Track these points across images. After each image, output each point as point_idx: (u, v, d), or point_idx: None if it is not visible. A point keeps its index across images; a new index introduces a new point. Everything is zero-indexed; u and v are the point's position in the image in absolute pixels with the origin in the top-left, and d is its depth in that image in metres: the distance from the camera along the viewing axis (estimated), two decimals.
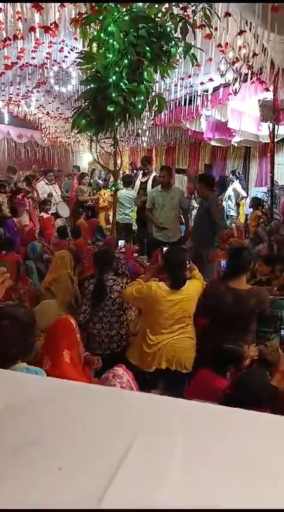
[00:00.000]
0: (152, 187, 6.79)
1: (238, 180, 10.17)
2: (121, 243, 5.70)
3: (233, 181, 10.07)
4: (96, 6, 3.92)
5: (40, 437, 0.70)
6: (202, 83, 6.84)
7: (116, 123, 4.52)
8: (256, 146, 10.83)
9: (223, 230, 5.58)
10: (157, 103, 4.56)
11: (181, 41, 4.15)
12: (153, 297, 3.08)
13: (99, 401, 0.83)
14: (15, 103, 9.21)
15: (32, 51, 5.81)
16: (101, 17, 4.00)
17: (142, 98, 4.43)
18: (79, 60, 4.57)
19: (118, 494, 0.58)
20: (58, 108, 9.79)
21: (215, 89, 7.17)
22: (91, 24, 4.19)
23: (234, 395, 2.18)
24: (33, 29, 4.68)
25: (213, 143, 10.56)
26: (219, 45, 4.86)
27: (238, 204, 10.01)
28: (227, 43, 4.85)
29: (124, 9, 4.08)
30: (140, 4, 4.18)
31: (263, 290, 3.42)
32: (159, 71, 4.48)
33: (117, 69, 4.16)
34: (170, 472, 0.62)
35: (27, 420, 0.75)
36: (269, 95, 6.59)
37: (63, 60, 6.79)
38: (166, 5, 4.15)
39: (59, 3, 4.45)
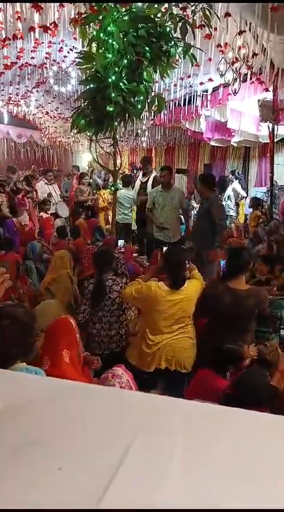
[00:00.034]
0: (152, 187, 6.79)
1: (237, 180, 10.17)
2: (120, 243, 5.70)
3: (232, 182, 10.07)
4: (95, 6, 3.92)
5: (40, 437, 0.70)
6: (201, 83, 6.84)
7: (115, 123, 4.52)
8: (256, 146, 10.84)
9: (224, 230, 5.56)
10: (156, 103, 4.57)
11: (181, 41, 4.16)
12: (153, 297, 3.08)
13: (99, 402, 0.83)
14: (15, 103, 9.20)
15: (32, 51, 5.80)
16: (101, 16, 4.00)
17: (141, 98, 4.43)
18: (79, 60, 4.57)
19: (118, 494, 0.58)
20: (57, 108, 9.79)
21: (215, 89, 7.17)
22: (91, 24, 4.19)
23: (234, 395, 2.18)
24: (33, 28, 4.68)
25: (212, 143, 10.56)
26: (219, 45, 4.86)
27: (237, 204, 10.01)
28: (226, 43, 4.85)
29: (124, 9, 4.08)
30: (139, 4, 4.18)
31: (262, 290, 3.42)
32: (158, 71, 4.48)
33: (116, 69, 4.16)
34: (170, 472, 0.62)
35: (27, 420, 0.75)
36: (268, 95, 6.59)
37: (63, 60, 6.79)
38: (166, 5, 4.15)
39: (58, 3, 4.45)
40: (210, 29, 4.21)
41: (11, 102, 9.01)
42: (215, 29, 4.45)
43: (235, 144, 10.16)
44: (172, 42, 4.22)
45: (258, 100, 6.88)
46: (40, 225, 7.81)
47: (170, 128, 11.23)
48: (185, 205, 6.37)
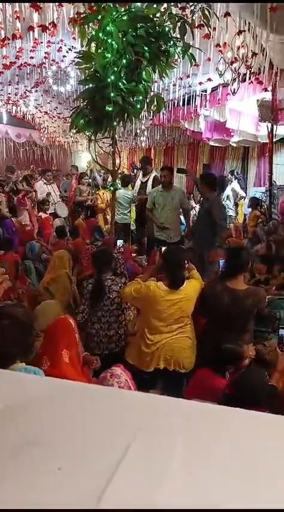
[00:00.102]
0: (152, 187, 6.78)
1: (236, 180, 10.19)
2: (119, 242, 5.70)
3: (231, 181, 10.08)
4: (94, 6, 3.92)
5: (40, 437, 0.70)
6: (200, 83, 6.85)
7: (115, 123, 4.52)
8: (255, 146, 10.85)
9: (225, 231, 5.55)
10: (155, 103, 4.56)
11: (180, 41, 4.15)
12: (152, 297, 3.08)
13: (99, 402, 0.83)
14: (14, 103, 9.20)
15: (31, 51, 5.80)
16: (100, 16, 4.00)
17: (140, 97, 4.43)
18: (78, 59, 4.57)
19: (118, 494, 0.58)
20: (56, 107, 9.79)
21: (214, 89, 7.17)
22: (90, 24, 4.19)
23: (233, 395, 2.18)
24: (32, 28, 4.68)
25: (211, 143, 10.57)
26: (218, 45, 4.87)
27: (236, 204, 10.02)
28: (225, 43, 4.86)
29: (123, 9, 4.08)
30: (139, 4, 4.18)
31: (260, 290, 3.42)
32: (157, 71, 4.48)
33: (115, 68, 4.16)
34: (170, 472, 0.62)
35: (27, 420, 0.75)
36: (267, 95, 6.60)
37: (62, 60, 6.79)
38: (165, 4, 4.15)
39: (57, 3, 4.45)
40: (209, 29, 4.21)
41: (10, 101, 9.02)
42: (215, 28, 4.45)
43: (234, 144, 10.17)
44: (171, 42, 4.22)
45: (257, 100, 6.89)
46: (39, 225, 7.82)
47: (169, 128, 11.24)
48: (186, 205, 6.37)
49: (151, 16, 4.12)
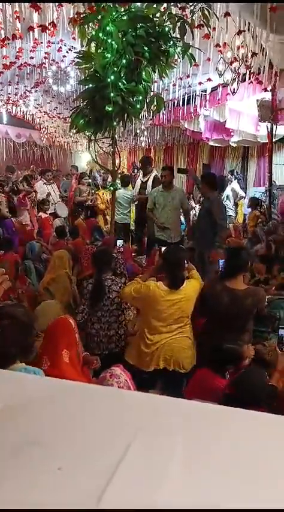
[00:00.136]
0: (153, 187, 6.78)
1: (236, 180, 10.19)
2: (119, 242, 5.70)
3: (231, 181, 10.08)
4: (94, 6, 3.92)
5: (40, 437, 0.70)
6: (200, 83, 6.85)
7: (114, 123, 4.52)
8: (254, 146, 10.85)
9: (225, 230, 5.55)
10: (155, 103, 4.56)
11: (180, 41, 4.16)
12: (151, 297, 3.08)
13: (99, 402, 0.83)
14: (14, 103, 9.20)
15: (31, 51, 5.81)
16: (99, 16, 4.00)
17: (140, 97, 4.43)
18: (78, 59, 4.57)
19: (118, 494, 0.58)
20: (56, 107, 9.79)
21: (214, 89, 7.18)
22: (90, 24, 4.19)
23: (232, 395, 2.18)
24: (32, 28, 4.68)
25: (211, 143, 10.57)
26: (217, 45, 4.87)
27: (236, 204, 10.03)
28: (225, 43, 4.86)
29: (123, 9, 4.08)
30: (138, 4, 4.18)
31: (260, 290, 3.42)
32: (157, 71, 4.48)
33: (115, 68, 4.16)
34: (170, 472, 0.62)
35: (27, 420, 0.75)
36: (267, 95, 6.60)
37: (62, 60, 6.80)
38: (165, 4, 4.15)
39: (57, 3, 4.46)
40: (209, 29, 4.21)
41: (10, 101, 9.02)
42: (214, 28, 4.45)
43: (234, 144, 10.17)
44: (171, 42, 4.22)
45: (257, 100, 6.89)
46: (39, 225, 7.81)
47: (169, 128, 11.25)
48: (186, 205, 6.37)
49: (151, 16, 4.12)
